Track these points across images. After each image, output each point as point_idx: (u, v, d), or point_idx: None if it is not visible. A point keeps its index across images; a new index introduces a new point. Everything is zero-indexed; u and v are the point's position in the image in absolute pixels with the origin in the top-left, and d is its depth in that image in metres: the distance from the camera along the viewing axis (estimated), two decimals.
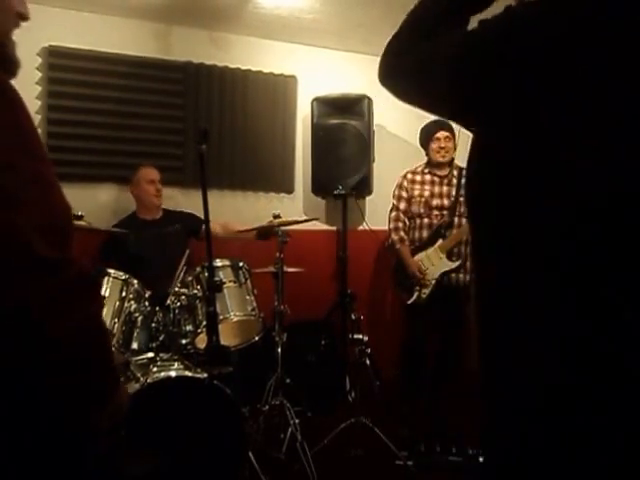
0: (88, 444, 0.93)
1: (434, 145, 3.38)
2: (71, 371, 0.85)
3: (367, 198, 4.07)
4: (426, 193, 3.41)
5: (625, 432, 0.63)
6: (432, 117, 3.32)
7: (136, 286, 2.50)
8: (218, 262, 2.63)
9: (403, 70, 0.85)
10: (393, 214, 3.48)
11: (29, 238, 0.78)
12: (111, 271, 2.48)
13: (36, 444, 0.86)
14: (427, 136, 3.43)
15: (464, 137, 3.22)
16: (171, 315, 2.56)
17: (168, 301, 2.57)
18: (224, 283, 2.51)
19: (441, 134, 3.35)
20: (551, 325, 0.67)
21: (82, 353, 0.85)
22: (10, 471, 0.84)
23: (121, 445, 1.03)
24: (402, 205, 3.47)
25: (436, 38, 0.79)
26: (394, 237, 3.43)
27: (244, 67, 3.89)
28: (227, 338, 2.58)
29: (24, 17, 0.98)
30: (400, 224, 3.44)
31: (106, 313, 2.37)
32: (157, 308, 2.56)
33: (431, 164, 3.46)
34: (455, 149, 3.40)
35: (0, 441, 0.84)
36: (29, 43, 3.25)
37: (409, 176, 3.50)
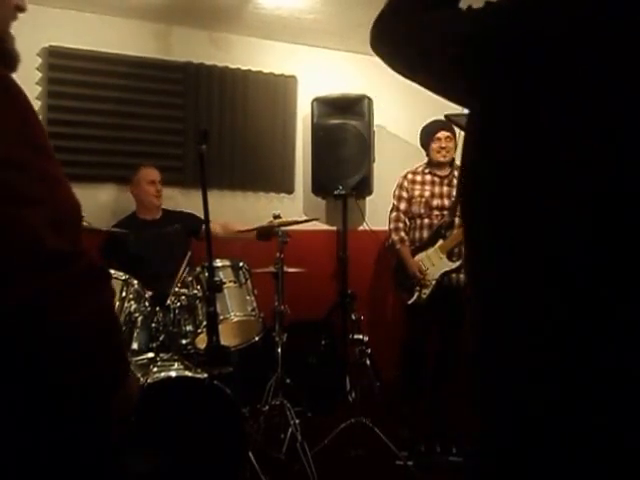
0: (94, 436, 0.92)
1: (435, 145, 3.38)
2: (80, 362, 0.84)
3: (367, 198, 4.07)
4: (426, 193, 3.41)
5: (625, 432, 0.63)
6: (432, 117, 3.32)
7: (136, 286, 2.49)
8: (218, 262, 2.63)
9: (395, 43, 0.83)
10: (393, 214, 3.48)
11: (39, 233, 0.78)
12: (111, 271, 2.46)
13: (42, 436, 0.85)
14: (428, 136, 3.43)
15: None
16: (171, 315, 2.56)
17: (168, 301, 2.57)
18: (224, 283, 2.51)
19: (442, 134, 3.35)
20: (551, 325, 0.67)
21: (90, 346, 0.85)
22: (15, 467, 0.84)
23: (127, 438, 1.03)
24: (402, 205, 3.47)
25: (431, 11, 0.78)
26: (394, 237, 3.43)
27: (244, 67, 3.89)
28: (227, 338, 2.58)
29: (22, 9, 0.97)
30: (400, 224, 3.44)
31: None
32: (157, 308, 2.56)
33: (432, 164, 3.46)
34: (456, 149, 3.40)
35: (6, 435, 0.83)
36: (29, 43, 3.25)
37: (409, 176, 3.50)
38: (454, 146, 3.37)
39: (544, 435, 0.67)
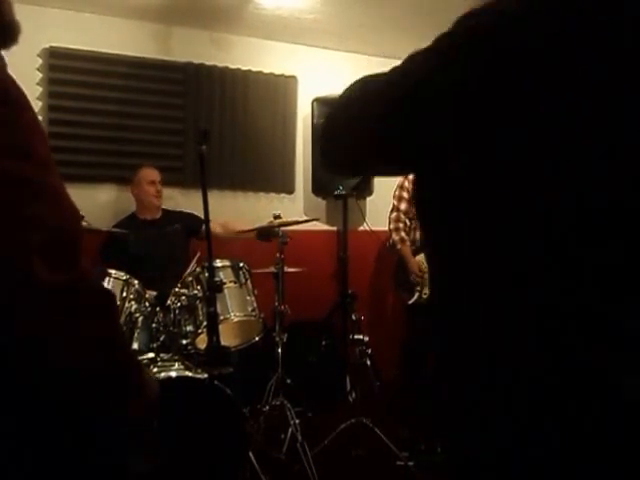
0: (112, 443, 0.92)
1: None
2: (87, 389, 0.82)
3: (368, 198, 4.07)
4: None
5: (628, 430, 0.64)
6: None
7: (137, 286, 2.50)
8: (218, 262, 2.63)
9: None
10: (394, 215, 3.49)
11: (36, 263, 0.73)
12: (112, 271, 2.48)
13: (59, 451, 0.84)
14: None
15: None
16: (171, 315, 2.56)
17: (168, 301, 2.57)
18: (224, 283, 2.51)
19: None
20: (552, 325, 0.67)
21: (95, 373, 0.82)
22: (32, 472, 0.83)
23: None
24: (403, 206, 3.47)
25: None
26: (395, 237, 3.43)
27: (244, 68, 3.89)
28: (227, 338, 2.58)
29: None
30: (401, 224, 3.45)
31: None
32: (157, 308, 2.56)
33: None
34: None
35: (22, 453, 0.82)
36: (30, 44, 3.25)
37: (411, 176, 3.50)
38: None
39: (544, 432, 0.67)
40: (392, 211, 3.51)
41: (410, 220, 3.47)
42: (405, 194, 3.48)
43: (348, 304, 3.44)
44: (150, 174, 3.28)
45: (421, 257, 3.33)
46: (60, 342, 0.77)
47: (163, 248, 3.13)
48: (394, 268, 3.48)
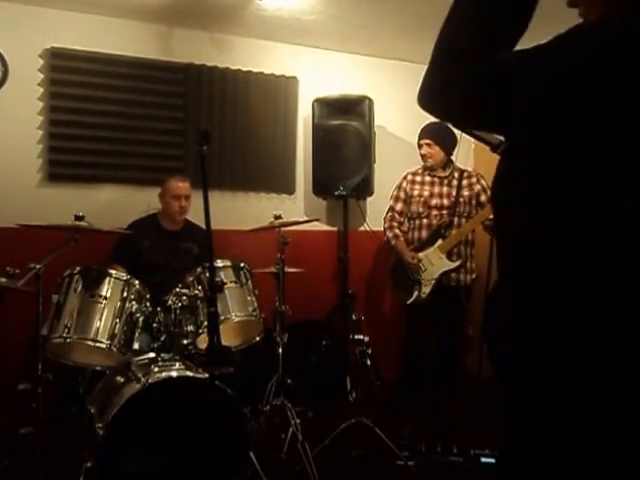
0: None
1: (420, 151, 3.46)
2: None
3: (368, 199, 4.08)
4: (425, 193, 3.43)
5: None
6: (432, 118, 3.33)
7: (137, 287, 2.51)
8: (219, 263, 2.64)
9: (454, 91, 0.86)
10: (388, 214, 3.52)
11: None
12: (112, 272, 2.49)
13: None
14: (417, 143, 3.51)
15: (465, 142, 3.23)
16: (172, 315, 2.57)
17: (169, 301, 2.58)
18: (225, 284, 2.52)
19: (422, 142, 3.44)
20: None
21: None
22: None
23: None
24: (398, 206, 3.50)
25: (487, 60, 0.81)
26: (389, 234, 3.46)
27: (245, 68, 3.90)
28: (228, 338, 2.58)
29: None
30: (395, 223, 3.48)
31: (107, 314, 2.39)
32: (158, 309, 2.57)
33: (427, 167, 3.49)
34: (448, 154, 3.43)
35: None
36: (31, 45, 3.26)
37: (409, 177, 3.52)
38: (437, 151, 3.40)
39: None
40: (388, 211, 3.54)
41: (409, 220, 3.48)
42: (402, 194, 3.49)
43: (348, 304, 3.45)
44: (176, 188, 3.22)
45: (419, 256, 3.34)
46: None
47: (175, 262, 3.12)
48: (391, 267, 3.49)
